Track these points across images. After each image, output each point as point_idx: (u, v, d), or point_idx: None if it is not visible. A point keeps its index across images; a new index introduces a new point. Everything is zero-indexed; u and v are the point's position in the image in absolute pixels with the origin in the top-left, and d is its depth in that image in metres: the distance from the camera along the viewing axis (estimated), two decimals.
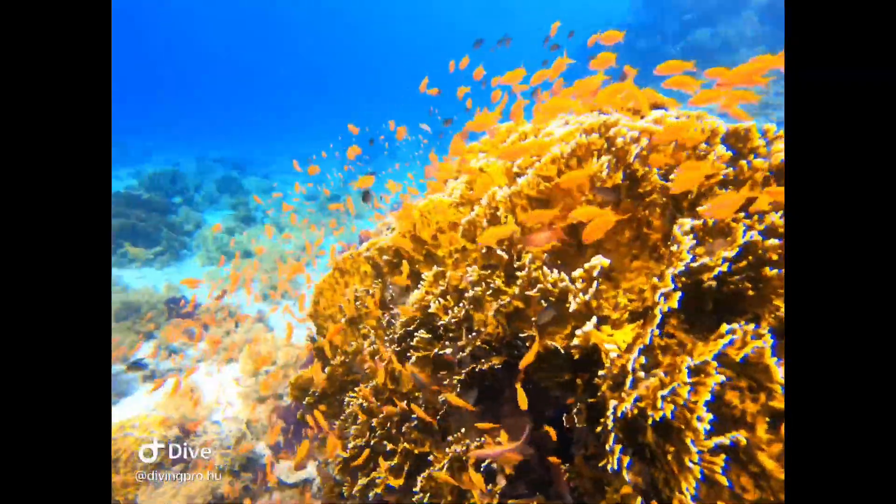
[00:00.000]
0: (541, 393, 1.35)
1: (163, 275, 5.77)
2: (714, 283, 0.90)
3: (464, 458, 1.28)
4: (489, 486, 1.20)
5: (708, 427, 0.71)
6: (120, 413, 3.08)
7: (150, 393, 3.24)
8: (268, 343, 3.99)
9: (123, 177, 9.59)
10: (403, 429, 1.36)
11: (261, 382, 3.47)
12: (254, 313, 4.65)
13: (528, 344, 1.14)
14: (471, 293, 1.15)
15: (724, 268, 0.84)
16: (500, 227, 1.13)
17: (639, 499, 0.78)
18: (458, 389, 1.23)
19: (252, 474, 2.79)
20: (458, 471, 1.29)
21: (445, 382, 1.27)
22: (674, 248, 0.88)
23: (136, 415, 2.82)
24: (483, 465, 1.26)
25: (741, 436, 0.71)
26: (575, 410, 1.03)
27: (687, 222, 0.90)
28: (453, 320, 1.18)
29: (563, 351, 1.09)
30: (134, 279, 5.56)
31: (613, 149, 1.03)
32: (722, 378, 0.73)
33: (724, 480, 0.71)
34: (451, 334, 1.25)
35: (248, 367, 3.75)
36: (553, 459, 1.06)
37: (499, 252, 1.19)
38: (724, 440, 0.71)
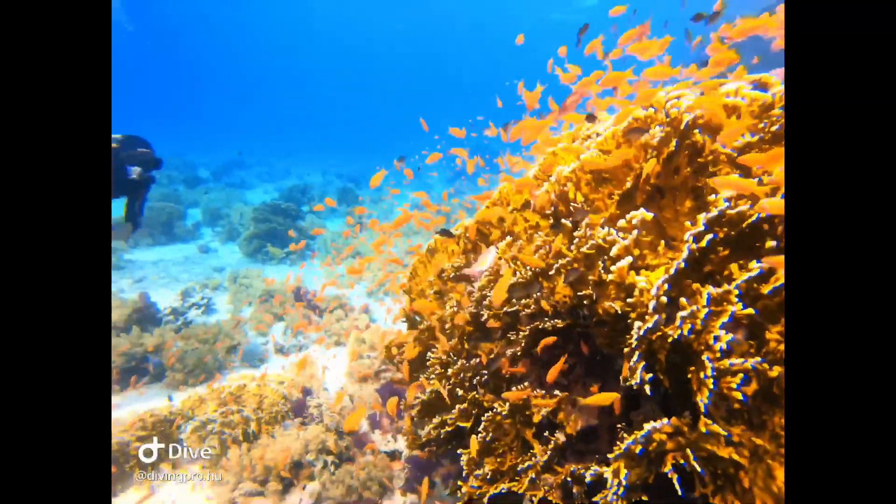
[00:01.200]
0: (607, 361, 1.46)
1: (292, 270, 7.04)
2: (774, 243, 0.95)
3: (527, 412, 1.46)
4: (546, 435, 1.36)
5: (724, 346, 0.79)
6: (260, 372, 3.94)
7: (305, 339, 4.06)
8: (371, 331, 4.62)
9: (270, 190, 11.95)
10: (474, 381, 1.60)
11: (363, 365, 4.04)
12: (360, 305, 5.39)
13: (585, 304, 1.28)
14: (536, 256, 1.35)
15: (764, 214, 0.89)
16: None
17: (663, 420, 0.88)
18: (523, 344, 1.42)
19: (352, 438, 3.31)
20: (522, 424, 1.47)
21: (512, 339, 1.48)
22: (711, 197, 0.96)
23: (272, 373, 3.61)
24: (543, 417, 1.42)
25: (763, 361, 0.76)
26: (629, 364, 1.14)
27: (734, 177, 0.96)
28: (521, 280, 1.40)
29: (620, 311, 1.21)
30: (273, 272, 6.90)
31: (668, 118, 1.14)
32: (742, 306, 0.80)
33: (738, 395, 0.77)
34: (518, 294, 1.45)
35: (352, 350, 4.41)
36: (594, 389, 1.18)
37: (564, 221, 1.37)
38: (745, 363, 0.78)
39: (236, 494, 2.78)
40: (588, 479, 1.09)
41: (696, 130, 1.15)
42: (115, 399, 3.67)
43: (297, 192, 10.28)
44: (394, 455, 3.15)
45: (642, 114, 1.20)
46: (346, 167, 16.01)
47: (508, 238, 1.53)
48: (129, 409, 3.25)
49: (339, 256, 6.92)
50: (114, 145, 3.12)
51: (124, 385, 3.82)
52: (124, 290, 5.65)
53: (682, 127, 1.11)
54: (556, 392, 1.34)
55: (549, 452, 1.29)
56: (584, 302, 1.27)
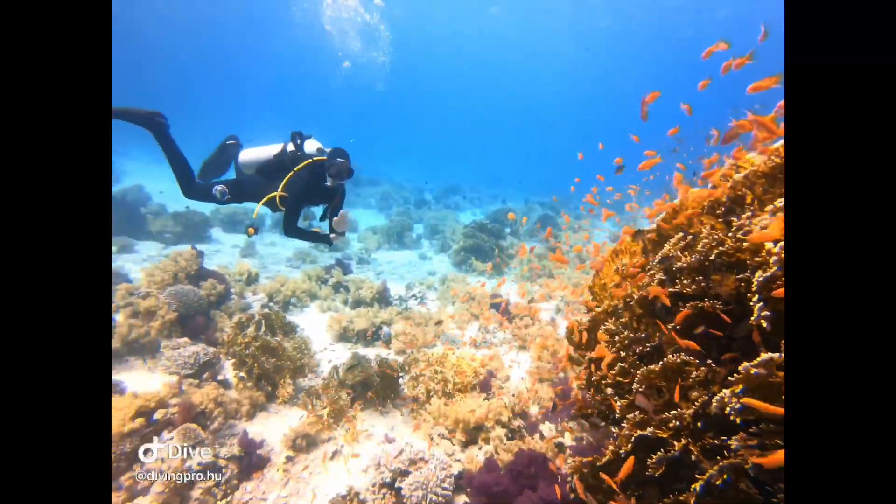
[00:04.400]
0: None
1: (491, 281, 8.24)
2: None
3: (682, 380, 1.81)
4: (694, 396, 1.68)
5: None
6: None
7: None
8: (553, 340, 5.17)
9: (478, 213, 14.07)
10: (637, 350, 2.03)
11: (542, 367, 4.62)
12: (548, 318, 6.00)
13: (749, 300, 1.59)
14: (700, 246, 1.74)
15: None
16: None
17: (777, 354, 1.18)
18: (683, 320, 1.80)
19: (524, 422, 3.93)
20: (672, 381, 1.82)
21: (673, 312, 1.86)
22: None
23: (467, 353, 4.63)
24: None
25: None
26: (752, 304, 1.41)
27: None
28: (683, 266, 1.80)
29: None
30: (474, 280, 8.29)
31: None
32: None
33: None
34: (683, 279, 1.84)
35: (535, 354, 5.05)
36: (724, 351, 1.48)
37: (732, 219, 1.71)
38: None
39: (433, 432, 3.78)
40: (714, 404, 1.40)
41: None
42: (363, 350, 5.36)
43: (501, 215, 11.81)
44: (559, 446, 3.59)
45: None
46: (546, 196, 17.16)
47: (681, 233, 1.92)
48: (371, 355, 4.78)
49: (534, 273, 7.73)
50: (322, 157, 3.54)
51: (367, 342, 5.55)
52: (371, 278, 7.91)
53: None
54: (710, 363, 1.65)
55: (694, 407, 1.62)
56: (742, 285, 1.57)
